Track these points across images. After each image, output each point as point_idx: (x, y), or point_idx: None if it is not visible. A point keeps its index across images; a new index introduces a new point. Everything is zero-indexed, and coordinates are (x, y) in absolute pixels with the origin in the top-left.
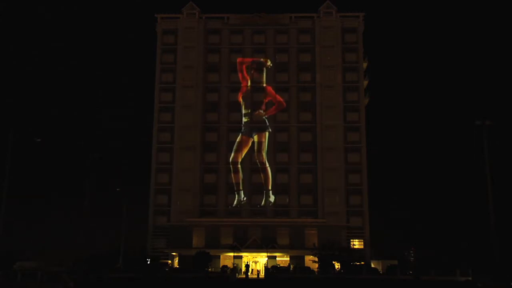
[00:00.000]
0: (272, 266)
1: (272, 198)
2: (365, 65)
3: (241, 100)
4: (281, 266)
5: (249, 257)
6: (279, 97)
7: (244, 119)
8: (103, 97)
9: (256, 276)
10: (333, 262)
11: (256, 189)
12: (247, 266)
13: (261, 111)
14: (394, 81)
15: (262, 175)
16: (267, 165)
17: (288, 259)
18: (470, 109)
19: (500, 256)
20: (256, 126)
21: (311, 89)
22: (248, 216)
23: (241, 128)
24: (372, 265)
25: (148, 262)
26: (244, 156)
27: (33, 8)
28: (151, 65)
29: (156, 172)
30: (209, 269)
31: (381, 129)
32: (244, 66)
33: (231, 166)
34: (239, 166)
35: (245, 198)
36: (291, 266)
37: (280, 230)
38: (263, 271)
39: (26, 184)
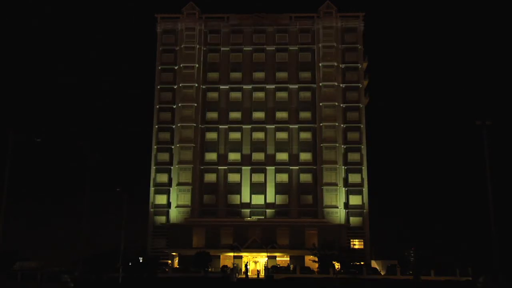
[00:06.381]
0: (272, 266)
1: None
2: (365, 65)
3: None
4: (281, 266)
5: (249, 257)
6: None
7: None
8: (102, 97)
9: (256, 276)
10: (333, 262)
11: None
12: (247, 266)
13: None
14: (394, 81)
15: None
16: None
17: (288, 259)
18: (470, 109)
19: (500, 256)
20: None
21: (311, 89)
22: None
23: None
24: (372, 265)
25: (141, 262)
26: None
27: (33, 8)
28: (151, 65)
29: (155, 172)
30: (209, 269)
31: (381, 129)
32: None
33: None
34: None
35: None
36: (291, 266)
37: (280, 230)
38: (263, 271)
39: (26, 184)
